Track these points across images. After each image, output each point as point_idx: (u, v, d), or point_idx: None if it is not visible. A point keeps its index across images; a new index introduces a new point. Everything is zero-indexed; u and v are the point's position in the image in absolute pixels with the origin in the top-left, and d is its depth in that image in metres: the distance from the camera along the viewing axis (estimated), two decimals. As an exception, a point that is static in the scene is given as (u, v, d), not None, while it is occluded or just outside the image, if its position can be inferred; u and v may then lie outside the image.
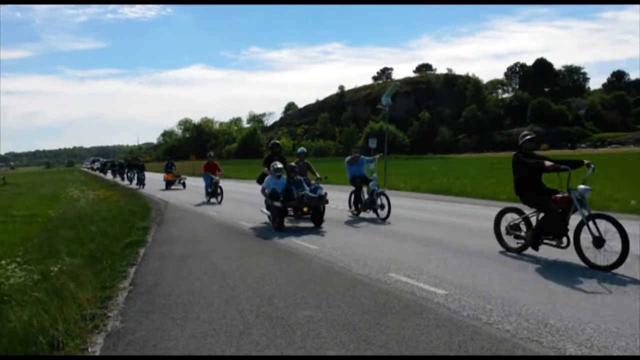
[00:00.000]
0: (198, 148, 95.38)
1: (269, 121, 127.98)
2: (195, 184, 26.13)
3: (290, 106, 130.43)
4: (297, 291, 5.72)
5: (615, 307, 4.72)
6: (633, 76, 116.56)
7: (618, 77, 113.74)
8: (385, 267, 6.68)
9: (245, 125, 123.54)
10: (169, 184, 26.54)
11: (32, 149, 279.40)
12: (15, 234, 12.31)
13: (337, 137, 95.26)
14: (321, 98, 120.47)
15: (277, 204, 10.26)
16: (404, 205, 14.50)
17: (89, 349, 4.31)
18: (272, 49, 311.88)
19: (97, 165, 75.84)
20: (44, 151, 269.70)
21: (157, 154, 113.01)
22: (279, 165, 10.90)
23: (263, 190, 10.89)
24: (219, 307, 5.27)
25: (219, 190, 17.44)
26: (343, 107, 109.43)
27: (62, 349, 4.26)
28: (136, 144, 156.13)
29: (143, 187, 27.58)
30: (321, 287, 5.84)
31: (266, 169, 11.65)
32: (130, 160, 39.91)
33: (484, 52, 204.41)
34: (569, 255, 6.73)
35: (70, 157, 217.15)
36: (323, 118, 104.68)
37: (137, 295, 5.92)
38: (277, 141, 13.77)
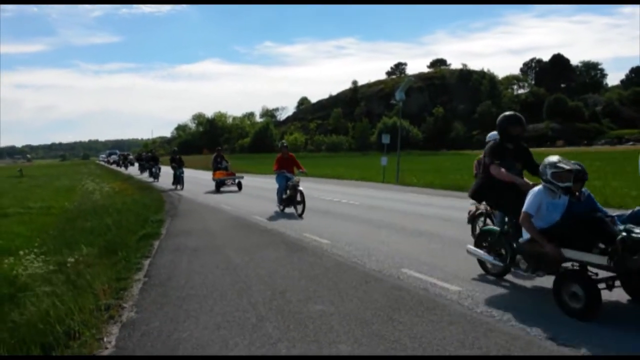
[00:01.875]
0: (211, 142, 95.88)
1: (281, 116, 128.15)
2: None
3: (303, 101, 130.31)
4: (309, 285, 5.74)
5: (631, 309, 4.65)
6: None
7: (637, 73, 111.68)
8: (398, 263, 6.67)
9: (258, 119, 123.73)
10: (219, 185, 20.18)
11: (48, 142, 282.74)
12: (32, 226, 12.51)
13: (350, 132, 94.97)
14: (334, 93, 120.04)
15: (600, 259, 4.42)
16: (418, 202, 14.45)
17: (105, 339, 4.37)
18: (286, 43, 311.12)
19: (113, 158, 71.12)
20: (59, 144, 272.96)
21: (171, 147, 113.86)
22: (569, 166, 4.97)
23: (527, 219, 4.98)
24: (232, 300, 5.30)
25: (299, 197, 12.04)
26: (356, 102, 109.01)
27: (78, 338, 4.33)
28: (150, 137, 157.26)
29: (182, 188, 21.13)
30: (333, 282, 5.85)
31: (501, 170, 5.48)
32: (153, 153, 33.52)
33: (500, 47, 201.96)
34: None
35: (86, 150, 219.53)
36: (336, 113, 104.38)
37: (151, 287, 5.99)
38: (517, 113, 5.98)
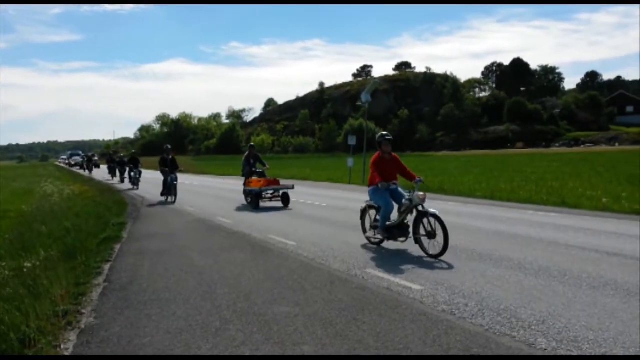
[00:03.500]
0: (176, 143, 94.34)
1: (248, 117, 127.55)
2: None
3: (270, 102, 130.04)
4: (274, 287, 5.72)
5: (585, 303, 4.84)
6: (606, 77, 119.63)
7: (592, 77, 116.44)
8: (362, 263, 6.73)
9: (224, 121, 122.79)
10: (257, 198, 13.88)
11: (5, 143, 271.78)
12: (-14, 230, 11.99)
13: (317, 134, 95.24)
14: (301, 94, 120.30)
15: None
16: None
17: (62, 346, 4.24)
18: (253, 44, 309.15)
19: (76, 159, 62.82)
20: (17, 145, 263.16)
21: (134, 148, 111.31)
22: None
23: None
24: (195, 303, 5.23)
25: (428, 224, 7.15)
26: (323, 103, 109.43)
27: (34, 346, 4.19)
28: (112, 138, 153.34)
29: (174, 201, 16.07)
30: (299, 283, 5.85)
31: None
32: (133, 155, 25.37)
33: (463, 51, 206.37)
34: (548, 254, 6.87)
35: (45, 152, 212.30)
36: (303, 115, 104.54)
37: (111, 292, 5.85)
38: None
